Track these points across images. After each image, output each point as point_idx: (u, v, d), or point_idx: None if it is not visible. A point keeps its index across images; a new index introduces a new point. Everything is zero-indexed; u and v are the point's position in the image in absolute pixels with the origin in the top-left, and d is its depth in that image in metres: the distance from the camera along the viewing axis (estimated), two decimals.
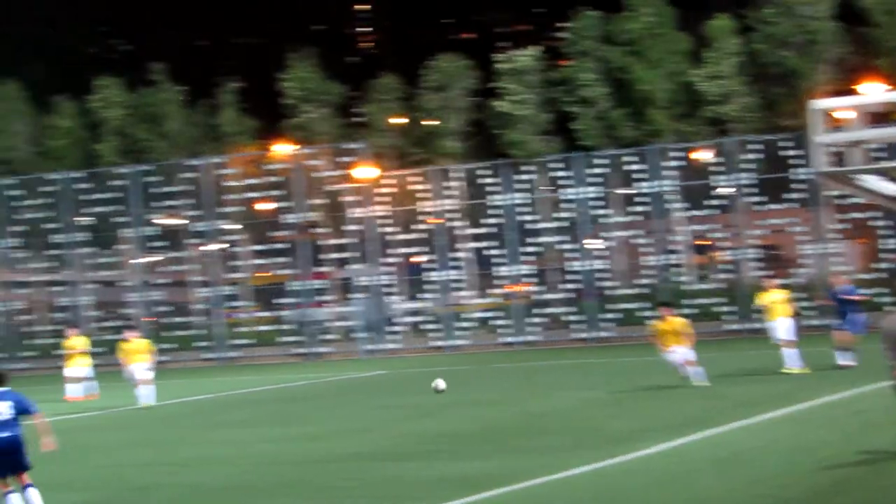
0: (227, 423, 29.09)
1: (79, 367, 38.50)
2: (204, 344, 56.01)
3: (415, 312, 55.85)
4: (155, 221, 58.19)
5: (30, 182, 58.66)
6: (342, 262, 55.58)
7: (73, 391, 38.00)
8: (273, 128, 61.64)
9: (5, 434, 15.94)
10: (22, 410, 16.20)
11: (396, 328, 55.01)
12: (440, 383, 26.54)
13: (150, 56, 65.68)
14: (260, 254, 57.46)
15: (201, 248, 57.54)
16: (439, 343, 53.14)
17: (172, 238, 58.18)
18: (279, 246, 55.61)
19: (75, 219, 57.60)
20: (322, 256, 56.11)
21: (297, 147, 57.05)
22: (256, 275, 59.04)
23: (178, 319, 56.88)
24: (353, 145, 55.02)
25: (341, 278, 56.42)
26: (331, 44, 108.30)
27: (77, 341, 39.27)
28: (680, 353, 28.74)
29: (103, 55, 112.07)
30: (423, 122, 59.82)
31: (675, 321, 29.17)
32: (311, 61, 58.61)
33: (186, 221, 57.45)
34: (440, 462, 20.03)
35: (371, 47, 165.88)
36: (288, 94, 58.32)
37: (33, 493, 16.14)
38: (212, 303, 56.98)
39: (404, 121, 60.91)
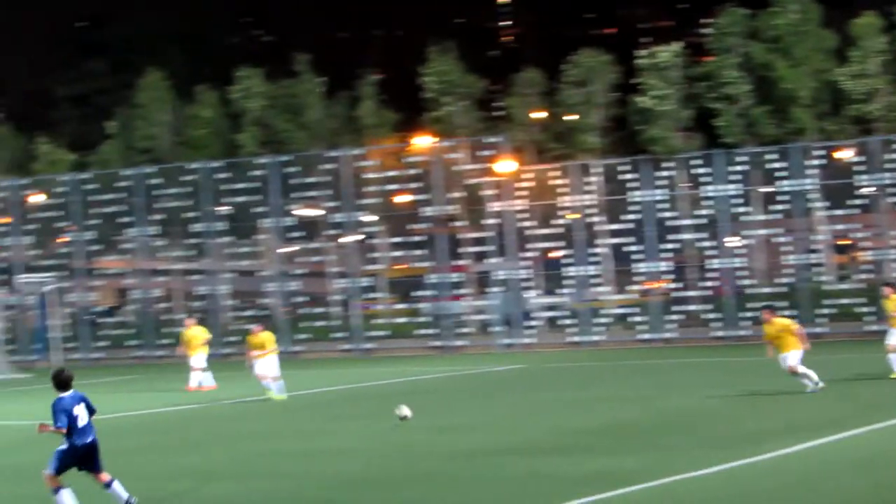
0: (363, 414, 29.39)
1: (198, 357, 38.83)
2: (340, 335, 56.69)
3: (552, 307, 55.94)
4: (293, 212, 58.99)
5: (171, 171, 59.84)
6: (480, 256, 55.84)
7: (194, 381, 38.55)
8: (413, 120, 62.07)
9: (90, 439, 16.08)
10: (92, 411, 16.28)
11: (533, 323, 55.16)
12: (405, 410, 25.42)
13: (291, 47, 66.45)
14: (397, 246, 58.01)
15: (339, 239, 58.21)
16: (576, 339, 53.16)
17: (310, 229, 58.94)
18: (417, 238, 56.10)
19: (215, 208, 58.65)
20: (460, 250, 56.46)
21: (437, 140, 57.44)
22: (394, 267, 59.60)
23: (314, 310, 57.67)
24: (492, 139, 55.23)
25: (479, 272, 56.69)
26: (472, 37, 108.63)
27: (195, 331, 39.62)
28: (789, 357, 27.96)
29: (245, 46, 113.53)
30: (564, 117, 59.81)
31: (780, 323, 28.44)
32: (451, 54, 58.91)
33: (325, 212, 58.17)
34: (576, 458, 20.08)
35: (512, 41, 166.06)
36: (428, 86, 58.70)
37: (118, 486, 16.24)
38: (349, 294, 57.67)
39: (544, 115, 60.94)
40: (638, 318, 52.85)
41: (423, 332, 55.76)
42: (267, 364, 33.72)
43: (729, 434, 21.86)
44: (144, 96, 62.58)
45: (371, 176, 56.73)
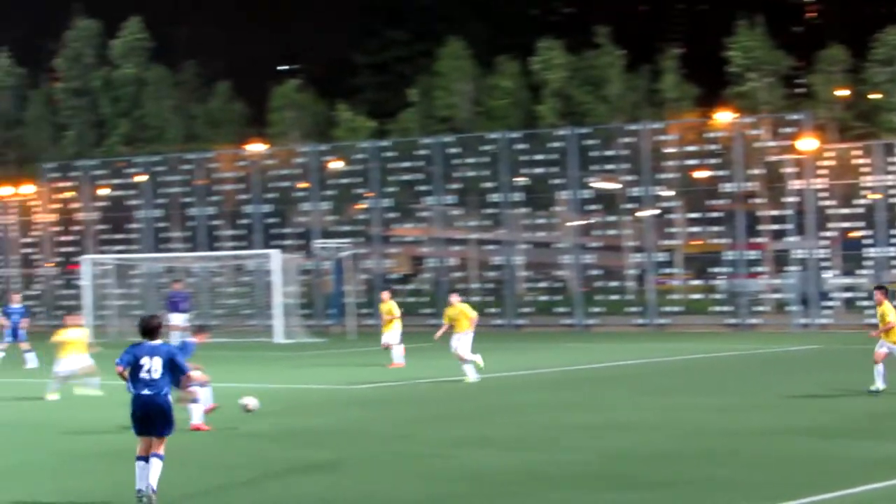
0: (655, 389, 29.78)
1: (390, 333, 38.50)
2: (634, 309, 57.23)
3: (850, 288, 55.22)
4: (591, 184, 59.66)
5: (469, 140, 61.18)
6: (778, 234, 55.48)
7: (397, 357, 38.36)
8: (714, 95, 61.89)
9: (147, 392, 15.71)
10: (175, 368, 15.90)
11: (830, 303, 54.61)
12: (250, 401, 24.14)
13: (592, 19, 67.00)
14: (695, 221, 58.04)
15: (636, 213, 58.62)
16: (874, 321, 52.23)
17: (608, 202, 59.52)
18: (715, 215, 56.08)
19: (512, 178, 59.80)
20: (758, 227, 56.21)
21: (739, 116, 57.22)
22: (690, 243, 59.67)
23: (609, 284, 58.31)
24: (795, 116, 54.78)
25: (776, 250, 56.31)
26: (777, 12, 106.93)
27: (388, 306, 39.50)
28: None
29: (545, 17, 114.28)
30: (868, 96, 58.78)
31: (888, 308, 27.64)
32: (757, 29, 58.52)
33: (622, 186, 58.64)
34: (867, 442, 20.15)
35: (816, 18, 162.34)
36: (732, 61, 58.42)
37: (155, 463, 15.64)
38: (644, 269, 58.09)
39: (848, 93, 60.03)
40: None
41: (717, 309, 55.81)
42: (462, 342, 32.08)
43: None
44: (445, 65, 63.89)
45: (670, 150, 57.00)
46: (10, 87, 74.03)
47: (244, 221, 64.58)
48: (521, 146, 59.35)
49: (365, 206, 63.29)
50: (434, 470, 18.33)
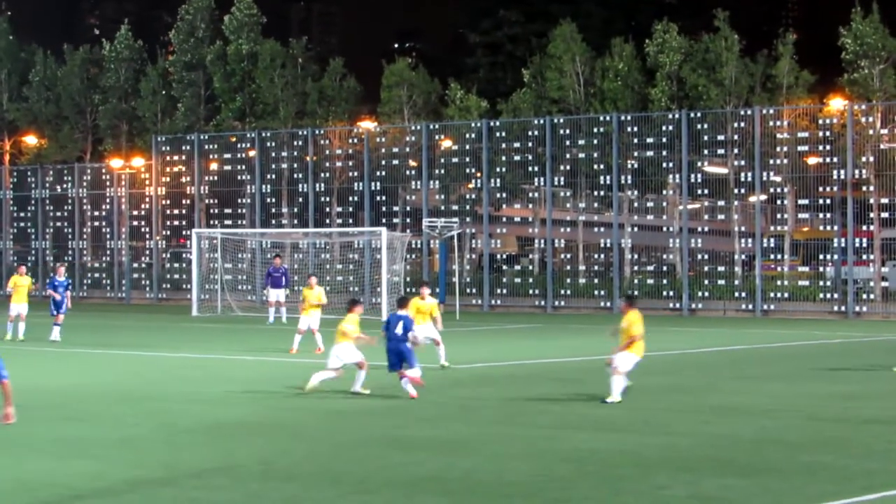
0: (763, 375, 29.77)
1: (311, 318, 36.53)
2: (741, 294, 57.10)
3: None
4: (701, 168, 59.49)
5: (581, 122, 61.31)
6: (888, 222, 55.06)
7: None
8: (828, 81, 61.32)
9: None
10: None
11: None
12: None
13: (709, 2, 66.53)
14: (804, 208, 57.72)
15: (746, 198, 58.36)
16: None
17: (717, 186, 59.34)
18: (825, 201, 55.77)
19: (623, 161, 59.82)
20: (869, 215, 55.74)
21: (851, 103, 56.71)
22: (800, 229, 59.37)
23: (717, 268, 58.19)
24: None
25: (886, 238, 55.88)
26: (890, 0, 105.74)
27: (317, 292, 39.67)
28: None
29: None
30: None
31: None
32: (872, 16, 57.86)
33: (733, 171, 58.40)
34: None
35: None
36: (847, 48, 57.85)
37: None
38: (752, 254, 57.88)
39: None
40: None
41: (826, 296, 55.54)
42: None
43: None
44: (558, 46, 63.82)
45: (782, 136, 56.70)
46: (127, 59, 75.07)
47: (353, 199, 65.22)
48: (632, 129, 59.40)
49: (474, 185, 63.60)
50: (540, 451, 18.55)
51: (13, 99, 77.69)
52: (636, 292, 53.57)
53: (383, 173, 64.59)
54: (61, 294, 41.37)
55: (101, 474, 16.66)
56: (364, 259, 60.83)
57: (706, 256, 58.72)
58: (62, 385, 27.48)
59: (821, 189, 55.89)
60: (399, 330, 25.23)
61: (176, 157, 70.42)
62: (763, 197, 57.59)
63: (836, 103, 57.34)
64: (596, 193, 61.50)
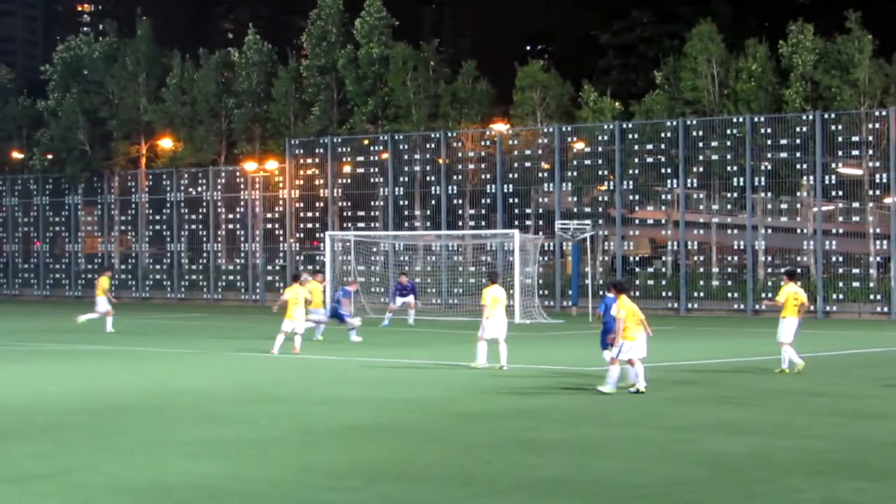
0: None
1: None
2: (876, 297, 56.40)
3: None
4: (836, 170, 58.82)
5: (714, 124, 60.92)
6: None
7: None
8: None
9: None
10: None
11: None
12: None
13: (842, 3, 65.72)
14: None
15: (881, 200, 57.59)
16: None
17: (852, 188, 58.62)
18: None
19: (756, 163, 59.33)
20: None
21: None
22: None
23: (851, 270, 57.50)
24: None
25: None
26: None
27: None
28: None
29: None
30: None
31: None
32: None
33: (867, 172, 57.66)
34: None
35: None
36: None
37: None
38: (887, 256, 57.10)
39: None
40: None
41: None
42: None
43: None
44: (693, 47, 63.43)
45: None
46: (258, 63, 75.99)
47: (485, 201, 65.43)
48: (766, 130, 58.92)
49: (606, 187, 63.49)
50: (673, 453, 18.55)
51: (151, 102, 79.03)
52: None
53: (516, 175, 64.78)
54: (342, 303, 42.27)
55: (235, 474, 16.94)
56: (496, 261, 61.03)
57: (841, 259, 58.05)
58: (198, 386, 27.95)
59: None
60: (613, 311, 26.91)
61: (309, 160, 71.25)
62: None
63: None
64: (729, 195, 61.08)
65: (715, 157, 60.18)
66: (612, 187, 62.91)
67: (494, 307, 31.31)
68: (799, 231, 59.86)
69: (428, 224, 67.44)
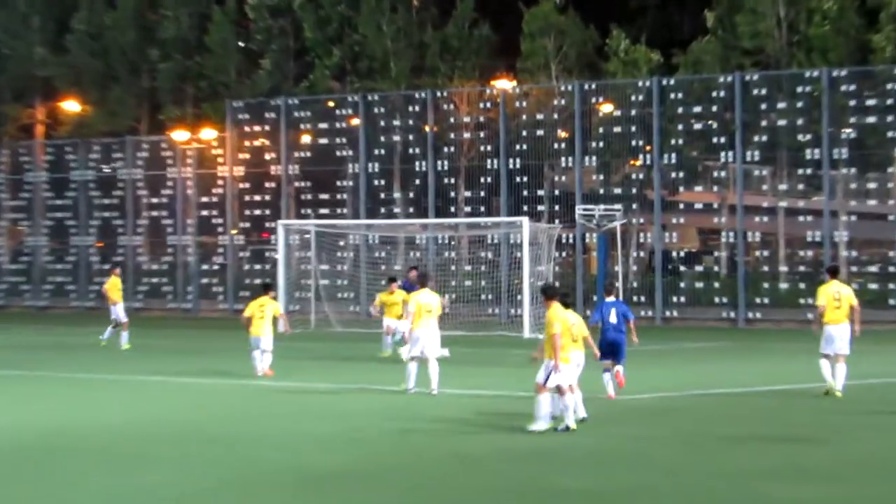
0: None
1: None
2: None
3: None
4: None
5: (781, 79, 60.90)
6: None
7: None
8: None
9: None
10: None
11: None
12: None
13: None
14: None
15: None
16: None
17: None
18: None
19: (836, 130, 59.35)
20: None
21: None
22: None
23: None
24: None
25: None
26: None
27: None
28: None
29: None
30: None
31: None
32: None
33: None
34: None
35: None
36: None
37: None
38: None
39: None
40: None
41: None
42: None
43: None
44: None
45: None
46: (190, 2, 75.70)
47: (486, 180, 65.30)
48: (848, 87, 58.93)
49: (642, 162, 63.40)
50: None
51: (50, 52, 78.69)
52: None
53: (524, 147, 64.72)
54: None
55: None
56: (500, 258, 61.01)
57: None
58: (117, 422, 27.91)
59: None
60: (613, 318, 30.22)
61: (257, 128, 71.16)
62: None
63: None
64: (801, 172, 61.06)
65: (782, 122, 60.13)
66: (648, 162, 62.80)
67: (421, 318, 31.98)
68: (892, 217, 59.87)
69: (411, 210, 67.42)
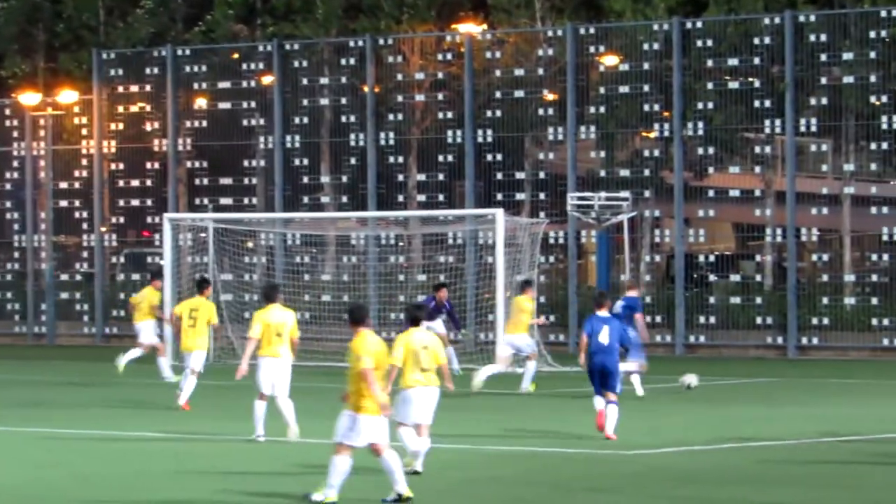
0: None
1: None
2: None
3: None
4: None
5: (847, 20, 60.89)
6: None
7: None
8: None
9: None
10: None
11: None
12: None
13: None
14: None
15: None
16: None
17: None
18: None
19: None
20: None
21: None
22: None
23: None
24: None
25: None
26: None
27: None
28: None
29: None
30: None
31: None
32: None
33: None
34: None
35: None
36: None
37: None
38: None
39: None
40: None
41: None
42: None
43: None
44: None
45: None
46: None
47: (446, 158, 65.20)
48: None
49: (658, 133, 63.38)
50: None
51: None
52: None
53: (498, 114, 64.80)
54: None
55: None
56: (466, 264, 60.95)
57: None
58: None
59: None
60: (604, 338, 31.68)
61: (134, 89, 70.96)
62: None
63: None
64: (874, 147, 61.04)
65: (848, 78, 60.18)
66: (667, 133, 62.86)
67: (270, 346, 32.15)
68: None
69: (344, 200, 67.28)
